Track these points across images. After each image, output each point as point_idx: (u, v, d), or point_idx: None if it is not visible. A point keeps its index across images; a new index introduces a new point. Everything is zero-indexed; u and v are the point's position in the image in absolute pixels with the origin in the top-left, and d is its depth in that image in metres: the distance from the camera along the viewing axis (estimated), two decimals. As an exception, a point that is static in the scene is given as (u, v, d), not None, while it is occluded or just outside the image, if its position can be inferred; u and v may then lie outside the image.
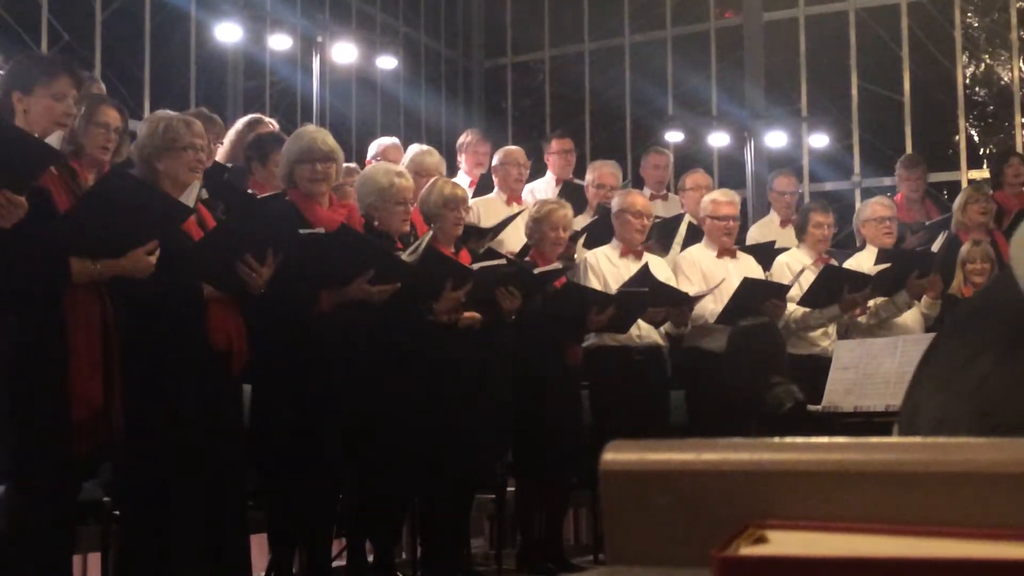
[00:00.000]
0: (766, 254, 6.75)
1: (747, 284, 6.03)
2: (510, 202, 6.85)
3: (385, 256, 4.72)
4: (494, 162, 7.07)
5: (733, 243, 6.50)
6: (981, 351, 0.78)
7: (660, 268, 6.14)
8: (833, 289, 6.25)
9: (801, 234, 6.75)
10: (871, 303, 6.46)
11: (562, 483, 5.82)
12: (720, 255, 6.41)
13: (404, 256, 4.80)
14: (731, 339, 5.72)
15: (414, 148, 6.58)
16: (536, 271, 5.50)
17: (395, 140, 7.13)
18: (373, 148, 7.10)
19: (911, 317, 6.55)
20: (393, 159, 6.56)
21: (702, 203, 6.62)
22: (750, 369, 5.43)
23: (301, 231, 4.39)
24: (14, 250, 3.55)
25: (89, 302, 3.77)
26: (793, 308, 6.30)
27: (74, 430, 3.68)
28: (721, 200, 6.46)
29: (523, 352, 5.55)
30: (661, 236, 6.76)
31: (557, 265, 5.74)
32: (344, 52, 9.09)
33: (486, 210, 6.67)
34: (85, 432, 3.71)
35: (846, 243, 7.53)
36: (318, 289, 4.59)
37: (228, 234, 4.21)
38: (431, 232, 5.12)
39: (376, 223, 4.97)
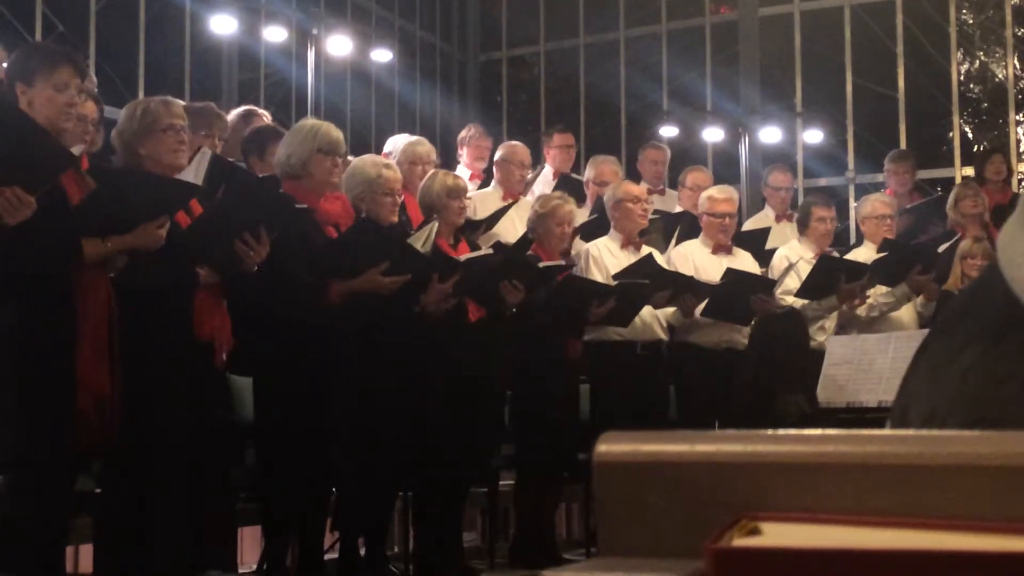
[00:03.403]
0: (761, 242, 6.76)
1: (731, 275, 6.04)
2: (507, 198, 6.85)
3: (402, 246, 4.75)
4: (497, 156, 7.05)
5: (729, 240, 6.50)
6: (967, 346, 0.78)
7: (658, 259, 6.16)
8: (830, 279, 6.26)
9: (803, 229, 6.75)
10: (870, 296, 6.47)
11: (556, 478, 5.82)
12: (715, 251, 6.41)
13: (417, 246, 4.83)
14: (754, 329, 5.72)
15: (404, 138, 6.56)
16: (541, 265, 5.51)
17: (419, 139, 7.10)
18: (389, 145, 7.07)
19: (906, 314, 6.56)
20: None
21: (700, 199, 6.63)
22: (770, 363, 5.44)
23: (297, 206, 4.41)
24: (27, 234, 3.55)
25: (96, 289, 3.77)
26: (792, 300, 6.30)
27: (79, 419, 3.68)
28: (718, 197, 6.47)
29: (522, 345, 5.55)
30: (664, 231, 6.76)
31: (561, 261, 5.75)
32: (339, 45, 9.09)
33: (482, 204, 6.66)
34: (90, 420, 3.71)
35: (840, 239, 7.55)
36: (327, 280, 4.61)
37: (224, 213, 4.20)
38: (437, 222, 5.13)
39: (364, 214, 4.99)
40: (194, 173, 4.04)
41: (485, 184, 7.12)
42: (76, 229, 3.71)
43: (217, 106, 5.34)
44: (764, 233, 6.94)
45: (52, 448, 3.66)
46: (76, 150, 3.73)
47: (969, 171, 10.84)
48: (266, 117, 5.97)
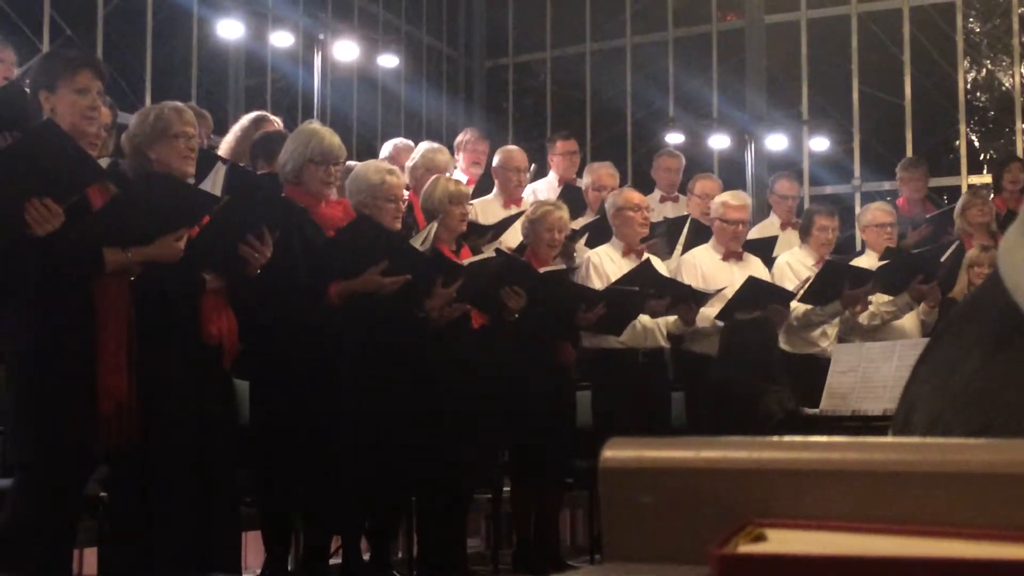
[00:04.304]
0: (768, 250, 6.75)
1: (751, 283, 6.02)
2: (507, 204, 6.84)
3: (400, 245, 4.75)
4: (495, 163, 7.05)
5: (740, 247, 6.50)
6: (970, 352, 0.78)
7: (659, 267, 6.14)
8: (834, 285, 6.26)
9: (805, 236, 6.76)
10: (872, 304, 6.47)
11: (556, 483, 5.81)
12: (725, 257, 6.42)
13: (417, 245, 4.83)
14: (724, 334, 5.72)
15: (424, 145, 6.55)
16: (543, 271, 5.50)
17: (409, 143, 7.12)
18: (387, 148, 7.08)
19: (909, 322, 6.56)
20: (405, 163, 6.54)
21: (713, 204, 6.64)
22: (743, 366, 5.44)
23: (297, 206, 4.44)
24: (49, 241, 3.57)
25: (116, 294, 3.80)
26: (795, 305, 6.30)
27: (99, 423, 3.70)
28: (732, 204, 6.48)
29: (516, 351, 5.54)
30: (668, 237, 6.76)
31: (561, 265, 5.73)
32: (346, 50, 9.10)
33: (483, 211, 6.65)
34: (109, 425, 3.72)
35: (846, 247, 7.55)
36: (327, 281, 4.61)
37: (229, 216, 4.21)
38: (436, 223, 5.12)
39: None
40: (210, 188, 4.04)
41: (480, 187, 7.11)
42: (98, 238, 3.73)
43: (223, 111, 5.36)
44: (771, 241, 6.93)
45: (68, 451, 3.68)
46: (103, 163, 3.77)
47: (975, 179, 10.84)
48: (277, 123, 5.96)
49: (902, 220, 7.49)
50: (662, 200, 7.84)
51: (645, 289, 5.77)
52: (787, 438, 0.63)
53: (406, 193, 5.87)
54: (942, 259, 6.51)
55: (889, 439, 0.64)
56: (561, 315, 5.62)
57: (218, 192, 4.02)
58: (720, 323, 6.05)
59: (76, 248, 3.68)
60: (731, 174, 10.47)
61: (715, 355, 5.87)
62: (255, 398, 4.67)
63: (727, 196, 6.60)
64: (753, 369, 5.42)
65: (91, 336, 3.73)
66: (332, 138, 4.89)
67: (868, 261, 6.63)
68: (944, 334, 0.84)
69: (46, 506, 3.68)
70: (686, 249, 6.68)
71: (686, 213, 7.40)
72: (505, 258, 5.44)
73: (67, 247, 3.65)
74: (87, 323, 3.73)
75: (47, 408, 3.68)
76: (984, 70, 12.40)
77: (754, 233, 7.61)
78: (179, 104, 4.39)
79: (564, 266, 5.80)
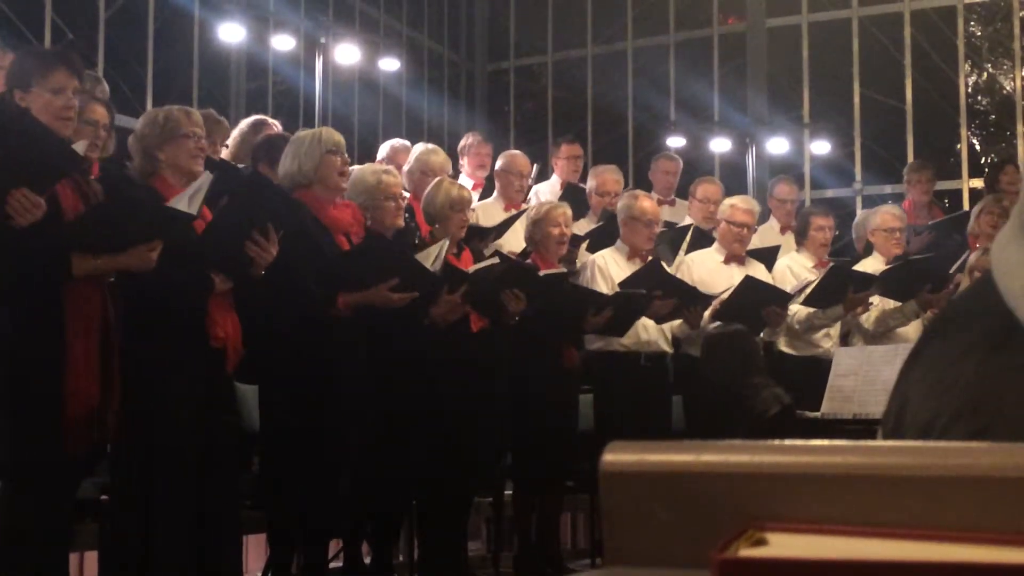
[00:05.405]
0: (770, 259, 6.75)
1: (748, 283, 6.02)
2: (508, 208, 6.83)
3: (412, 265, 4.77)
4: (497, 166, 7.03)
5: (743, 251, 6.50)
6: (966, 354, 0.78)
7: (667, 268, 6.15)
8: (838, 289, 6.26)
9: (801, 238, 6.76)
10: (875, 308, 6.46)
11: (558, 486, 5.81)
12: (728, 261, 6.42)
13: (428, 264, 4.84)
14: (704, 345, 5.72)
15: (419, 147, 6.55)
16: (541, 274, 5.49)
17: (406, 143, 7.12)
18: (384, 149, 7.09)
19: (911, 327, 6.55)
20: (403, 162, 6.55)
21: (721, 206, 6.64)
22: (727, 372, 5.44)
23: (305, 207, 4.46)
24: (17, 245, 3.56)
25: (88, 299, 3.78)
26: (797, 308, 6.29)
27: (69, 427, 3.68)
28: (740, 207, 6.49)
29: (519, 354, 5.54)
30: (669, 244, 6.75)
31: (562, 268, 5.73)
32: (347, 53, 9.11)
33: (484, 214, 6.64)
34: (80, 430, 3.70)
35: (846, 250, 7.54)
36: (336, 291, 4.63)
37: (233, 214, 4.22)
38: (447, 240, 5.12)
39: (369, 222, 5.00)
40: (187, 199, 4.00)
41: (487, 191, 7.11)
42: (67, 243, 3.70)
43: (225, 114, 5.37)
44: (775, 251, 6.91)
45: (44, 456, 3.66)
46: (80, 147, 3.73)
47: (976, 183, 10.84)
48: (276, 127, 5.97)
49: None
50: (659, 203, 7.83)
51: (651, 289, 5.76)
52: (788, 441, 0.63)
53: (407, 195, 5.88)
54: (951, 269, 6.50)
55: (890, 443, 0.64)
56: (565, 318, 5.61)
57: (196, 207, 3.96)
58: (715, 323, 6.06)
59: (44, 253, 3.66)
60: (732, 178, 10.47)
61: (700, 360, 5.88)
62: (260, 402, 4.68)
63: (737, 199, 6.62)
64: (736, 372, 5.41)
65: (61, 341, 3.70)
66: (337, 133, 5.03)
67: (874, 265, 6.61)
68: (937, 333, 0.83)
69: (32, 511, 3.66)
70: (687, 254, 6.67)
71: (684, 216, 7.40)
72: (507, 262, 5.44)
73: (35, 253, 3.63)
74: (57, 328, 3.70)
75: (17, 412, 3.66)
76: (985, 74, 12.41)
77: (754, 238, 7.61)
78: (187, 107, 4.46)
79: (565, 269, 5.79)
